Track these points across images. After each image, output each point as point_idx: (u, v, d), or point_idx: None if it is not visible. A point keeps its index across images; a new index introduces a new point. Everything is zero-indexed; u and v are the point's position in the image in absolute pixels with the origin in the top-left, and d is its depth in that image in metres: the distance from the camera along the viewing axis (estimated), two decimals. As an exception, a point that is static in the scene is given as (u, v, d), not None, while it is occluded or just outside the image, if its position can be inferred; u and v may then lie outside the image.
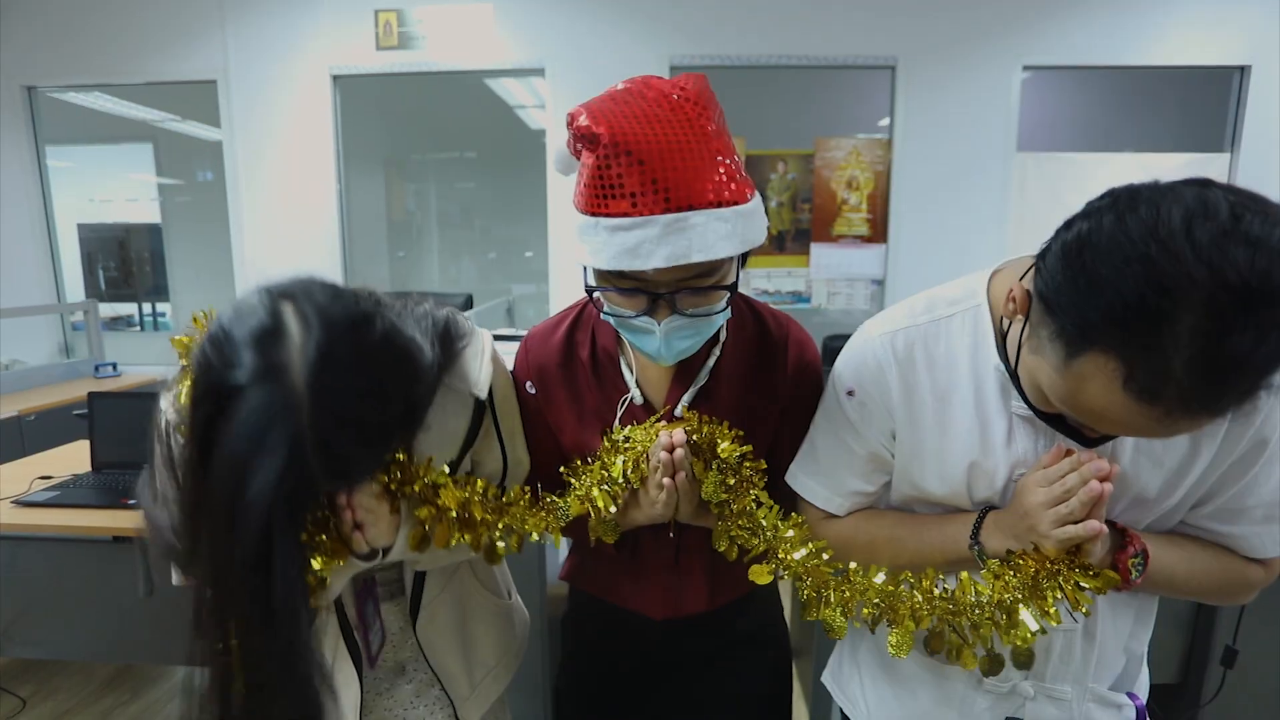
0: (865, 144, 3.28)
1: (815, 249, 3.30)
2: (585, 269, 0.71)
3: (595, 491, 0.74)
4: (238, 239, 3.42)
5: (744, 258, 0.75)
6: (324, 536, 0.66)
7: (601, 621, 0.93)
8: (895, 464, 0.74)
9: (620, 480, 0.73)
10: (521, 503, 0.76)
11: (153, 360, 3.68)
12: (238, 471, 0.50)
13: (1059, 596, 0.61)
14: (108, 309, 3.86)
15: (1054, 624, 0.63)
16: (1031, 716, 0.73)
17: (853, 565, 0.71)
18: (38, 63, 3.36)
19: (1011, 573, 0.64)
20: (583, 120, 0.64)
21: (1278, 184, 3.17)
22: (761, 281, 3.33)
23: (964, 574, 0.68)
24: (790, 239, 3.31)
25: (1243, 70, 3.16)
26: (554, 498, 0.77)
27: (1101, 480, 0.59)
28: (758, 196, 0.70)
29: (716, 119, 0.67)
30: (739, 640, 0.91)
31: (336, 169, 3.33)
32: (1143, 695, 0.78)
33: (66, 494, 1.80)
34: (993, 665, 0.68)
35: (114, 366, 3.45)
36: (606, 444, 0.76)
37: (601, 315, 0.74)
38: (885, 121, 3.26)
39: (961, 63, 3.16)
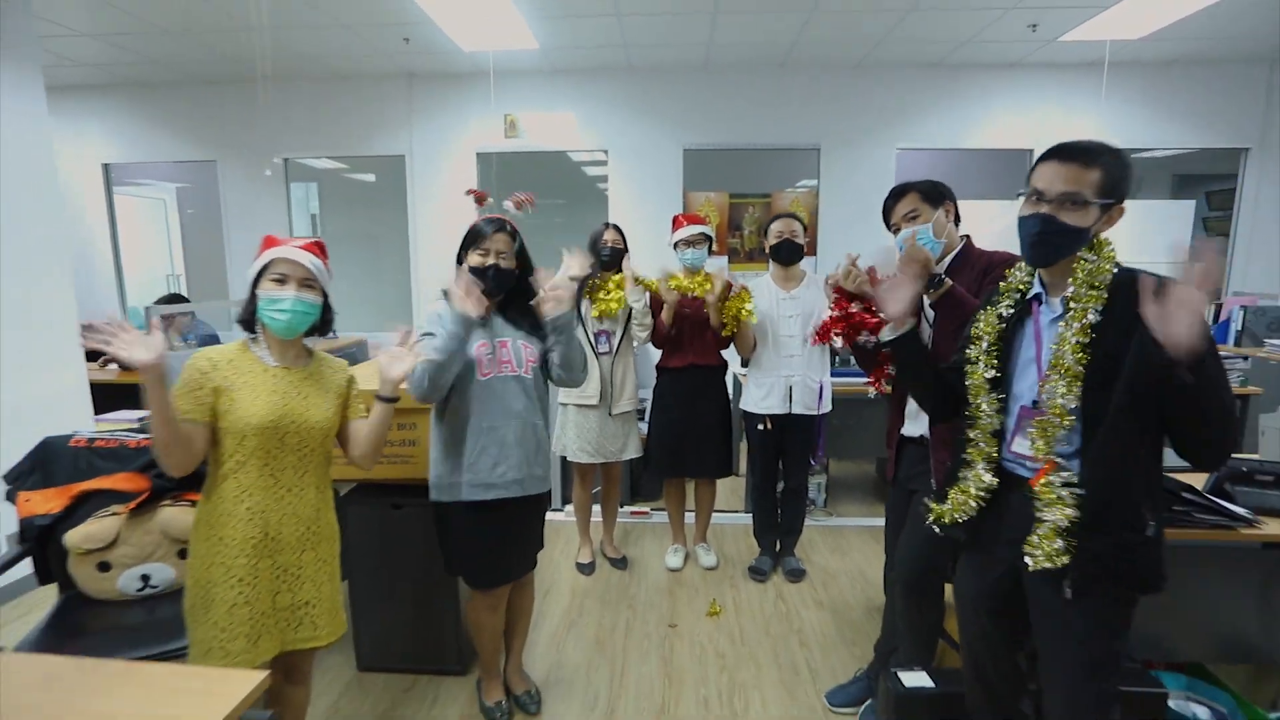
0: (802, 194, 5.35)
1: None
2: (675, 244, 2.87)
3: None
4: (415, 259, 5.49)
5: (710, 248, 2.88)
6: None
7: (669, 376, 2.97)
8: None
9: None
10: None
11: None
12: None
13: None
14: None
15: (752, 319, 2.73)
16: (796, 385, 2.79)
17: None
18: (291, 141, 5.44)
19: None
20: (681, 216, 2.87)
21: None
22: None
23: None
24: (757, 253, 5.37)
25: (1030, 151, 5.20)
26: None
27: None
28: (712, 231, 2.88)
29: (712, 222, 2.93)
30: (710, 385, 2.96)
31: (476, 209, 5.40)
32: (826, 386, 2.83)
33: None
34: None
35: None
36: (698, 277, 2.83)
37: (676, 253, 2.87)
38: (814, 180, 5.32)
39: (858, 146, 5.22)
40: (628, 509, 3.78)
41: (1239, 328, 4.67)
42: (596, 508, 3.27)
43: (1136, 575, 1.27)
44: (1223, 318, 4.78)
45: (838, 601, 2.86)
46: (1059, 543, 1.26)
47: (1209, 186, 6.40)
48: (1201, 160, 5.88)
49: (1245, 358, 3.84)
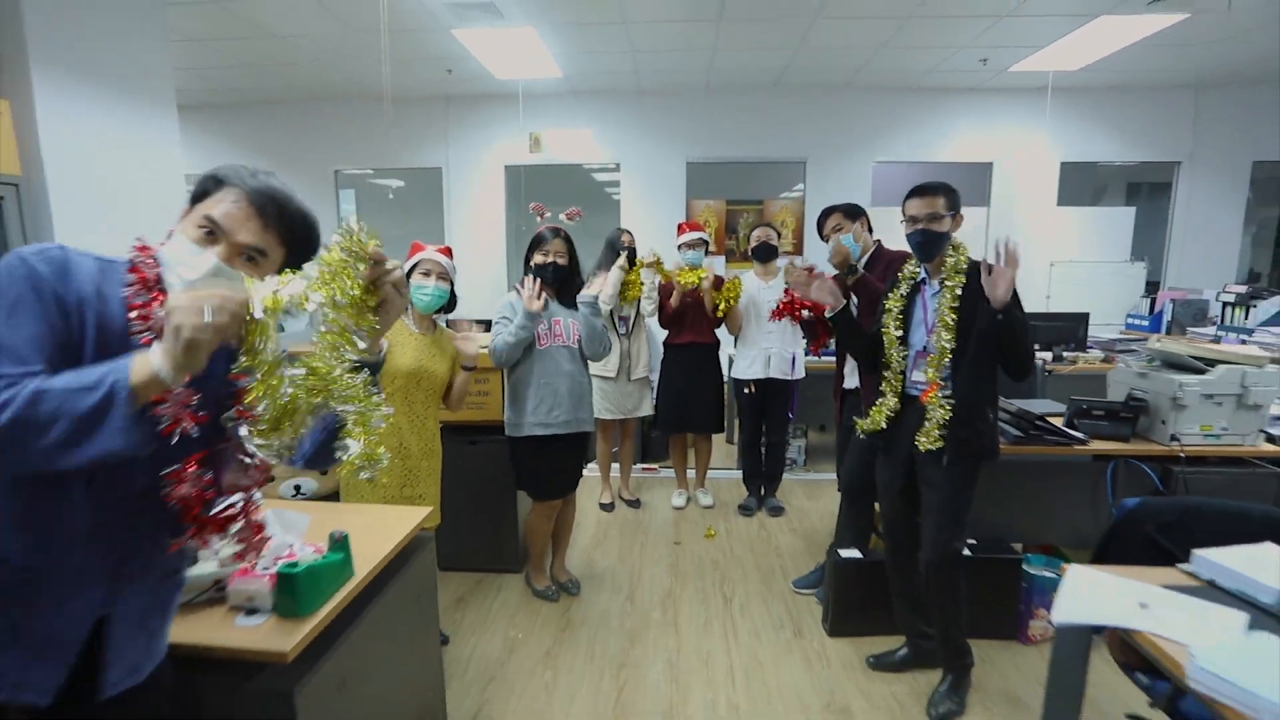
0: (790, 201, 6.08)
1: (764, 258, 6.09)
2: (679, 247, 3.60)
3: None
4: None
5: (708, 250, 3.61)
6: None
7: (674, 351, 3.71)
8: None
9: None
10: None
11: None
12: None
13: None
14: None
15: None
16: (773, 355, 3.53)
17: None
18: (339, 156, 6.19)
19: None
20: (684, 223, 3.60)
21: (1017, 225, 5.94)
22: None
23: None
24: (750, 253, 6.09)
25: (990, 165, 5.93)
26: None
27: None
28: (709, 236, 3.65)
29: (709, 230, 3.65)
30: (707, 359, 3.70)
31: (504, 215, 6.16)
32: (798, 356, 3.57)
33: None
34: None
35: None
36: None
37: (680, 254, 3.61)
38: (801, 187, 6.06)
39: (841, 158, 5.95)
40: (639, 466, 4.52)
41: (1169, 318, 5.40)
42: (615, 465, 4.01)
43: (984, 449, 2.03)
44: (1157, 309, 5.50)
45: (808, 530, 3.60)
46: (937, 432, 2.01)
47: (1159, 193, 7.13)
48: (1151, 170, 6.60)
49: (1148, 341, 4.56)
